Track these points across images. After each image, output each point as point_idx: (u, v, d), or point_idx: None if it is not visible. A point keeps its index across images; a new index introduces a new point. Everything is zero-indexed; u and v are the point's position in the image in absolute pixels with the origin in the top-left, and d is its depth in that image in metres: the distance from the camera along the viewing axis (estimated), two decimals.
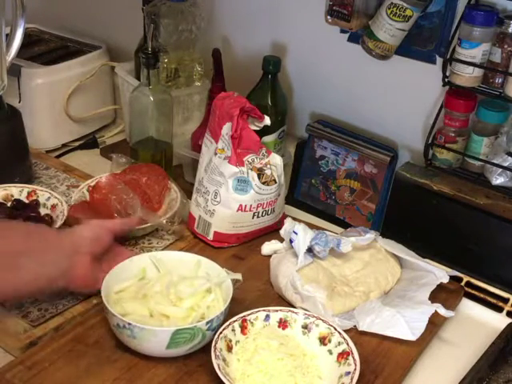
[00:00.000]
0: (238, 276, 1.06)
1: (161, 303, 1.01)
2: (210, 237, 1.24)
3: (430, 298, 1.10)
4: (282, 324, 1.03)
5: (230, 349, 0.98)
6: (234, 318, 1.01)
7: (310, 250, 1.14)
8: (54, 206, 1.26)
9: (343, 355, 0.98)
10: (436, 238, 1.28)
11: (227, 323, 1.00)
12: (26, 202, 1.27)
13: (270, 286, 1.17)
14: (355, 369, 0.95)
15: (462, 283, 1.22)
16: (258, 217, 1.24)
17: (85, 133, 1.64)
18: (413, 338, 1.05)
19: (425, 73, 1.29)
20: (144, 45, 1.35)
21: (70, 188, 1.39)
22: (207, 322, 0.97)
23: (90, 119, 1.64)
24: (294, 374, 0.95)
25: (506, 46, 1.15)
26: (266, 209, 1.24)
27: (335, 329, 1.02)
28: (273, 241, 1.22)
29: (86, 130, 1.64)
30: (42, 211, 1.25)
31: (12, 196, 1.28)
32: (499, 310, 1.19)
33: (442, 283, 1.14)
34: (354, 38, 1.34)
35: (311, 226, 1.18)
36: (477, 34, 1.15)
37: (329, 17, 1.30)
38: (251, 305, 1.09)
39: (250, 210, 1.22)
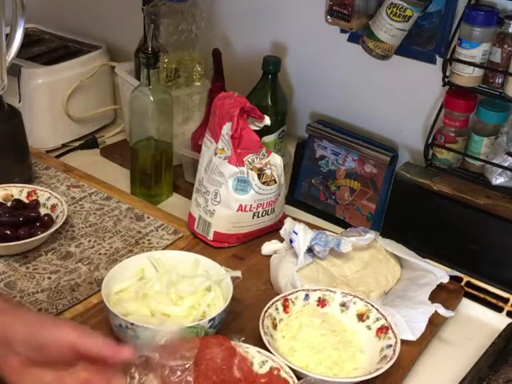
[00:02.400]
0: (238, 273, 1.06)
1: (161, 302, 1.01)
2: (210, 237, 1.24)
3: (430, 298, 1.10)
4: (321, 302, 1.07)
5: (274, 326, 1.02)
6: (277, 298, 1.05)
7: (310, 250, 1.14)
8: (53, 206, 1.26)
9: (382, 330, 1.03)
10: (436, 238, 1.28)
11: (271, 302, 1.03)
12: (26, 201, 1.27)
13: (270, 286, 1.17)
14: (396, 342, 0.99)
15: (462, 283, 1.22)
16: (258, 217, 1.24)
17: (85, 133, 1.64)
18: (413, 338, 1.06)
19: (425, 73, 1.29)
20: (144, 45, 1.35)
21: (70, 188, 1.39)
22: (210, 320, 0.97)
23: (90, 119, 1.64)
24: (337, 347, 1.00)
25: (506, 46, 1.15)
26: (266, 209, 1.24)
27: (373, 306, 1.05)
28: (273, 241, 1.22)
29: (85, 130, 1.64)
30: (42, 211, 1.25)
31: (12, 196, 1.28)
32: (499, 310, 1.19)
33: (442, 283, 1.14)
34: (354, 38, 1.34)
35: (311, 226, 1.18)
36: (477, 34, 1.15)
37: (329, 17, 1.30)
38: (251, 304, 1.09)
39: (250, 210, 1.22)
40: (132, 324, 0.95)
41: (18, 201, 1.26)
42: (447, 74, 1.21)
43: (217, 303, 1.02)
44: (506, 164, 1.19)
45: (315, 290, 1.08)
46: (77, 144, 1.62)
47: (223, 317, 1.00)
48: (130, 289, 1.05)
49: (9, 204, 1.26)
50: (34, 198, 1.28)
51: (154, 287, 1.04)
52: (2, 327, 0.83)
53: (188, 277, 1.06)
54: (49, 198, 1.27)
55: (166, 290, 1.03)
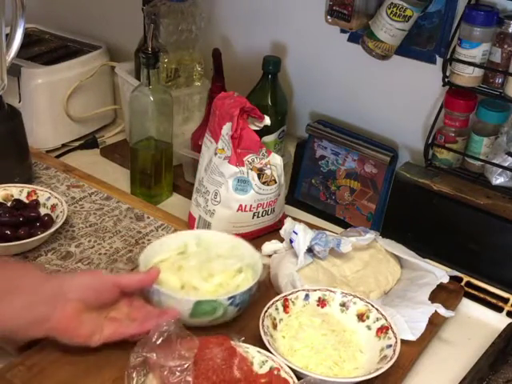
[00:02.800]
0: (268, 260, 1.11)
1: (193, 276, 1.05)
2: None
3: (429, 298, 1.10)
4: (321, 302, 1.08)
5: (274, 326, 1.03)
6: (277, 298, 1.06)
7: (310, 250, 1.14)
8: (53, 206, 1.26)
9: (382, 330, 1.03)
10: (436, 238, 1.28)
11: (271, 302, 1.04)
12: (26, 202, 1.27)
13: (270, 286, 1.17)
14: (396, 342, 0.99)
15: (462, 283, 1.22)
16: (258, 217, 1.24)
17: (85, 133, 1.64)
18: (413, 338, 1.06)
19: (425, 73, 1.29)
20: (144, 45, 1.35)
21: (70, 188, 1.39)
22: (229, 298, 1.00)
23: (90, 119, 1.64)
24: (338, 347, 1.00)
25: (506, 46, 1.15)
26: (266, 209, 1.24)
27: (373, 306, 1.05)
28: (273, 241, 1.22)
29: (85, 130, 1.64)
30: (42, 211, 1.25)
31: (12, 196, 1.28)
32: (499, 310, 1.19)
33: (442, 283, 1.14)
34: (354, 38, 1.34)
35: (311, 226, 1.18)
36: (477, 34, 1.15)
37: (329, 17, 1.30)
38: (252, 304, 1.09)
39: (250, 210, 1.22)
40: (157, 290, 1.00)
41: (18, 201, 1.26)
42: (447, 73, 1.21)
43: (246, 284, 1.05)
44: (506, 164, 1.19)
45: (315, 290, 1.08)
46: (77, 144, 1.62)
47: (246, 298, 1.03)
48: (169, 260, 1.10)
49: (9, 204, 1.26)
50: (34, 198, 1.28)
51: (190, 262, 1.08)
52: (59, 283, 0.96)
53: (223, 257, 1.10)
54: (49, 198, 1.27)
55: (199, 265, 1.07)
